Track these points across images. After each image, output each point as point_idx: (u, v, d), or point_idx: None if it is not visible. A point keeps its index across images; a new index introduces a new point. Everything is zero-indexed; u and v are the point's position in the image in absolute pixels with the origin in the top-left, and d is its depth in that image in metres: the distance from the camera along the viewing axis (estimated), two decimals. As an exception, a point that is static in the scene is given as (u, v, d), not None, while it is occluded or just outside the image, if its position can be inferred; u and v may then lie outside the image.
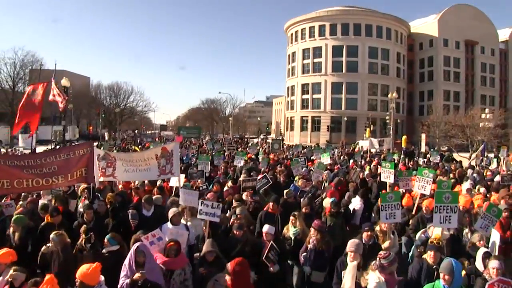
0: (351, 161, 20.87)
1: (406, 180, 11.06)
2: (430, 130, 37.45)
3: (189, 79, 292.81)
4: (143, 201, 8.28)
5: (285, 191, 9.74)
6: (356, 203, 9.82)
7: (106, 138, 56.61)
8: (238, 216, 7.49)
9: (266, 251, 6.12)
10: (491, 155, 26.95)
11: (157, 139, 43.46)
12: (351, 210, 9.59)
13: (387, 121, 37.35)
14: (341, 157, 24.38)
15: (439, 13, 74.19)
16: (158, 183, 11.10)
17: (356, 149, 33.11)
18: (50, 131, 41.22)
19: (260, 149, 30.50)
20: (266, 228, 6.62)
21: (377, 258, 4.98)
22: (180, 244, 5.73)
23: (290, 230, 7.24)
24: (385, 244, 6.44)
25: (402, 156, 24.36)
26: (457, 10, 72.77)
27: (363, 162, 21.01)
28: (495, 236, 6.84)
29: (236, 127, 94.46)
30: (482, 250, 5.85)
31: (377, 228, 6.97)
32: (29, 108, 17.20)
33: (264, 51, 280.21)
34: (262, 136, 67.23)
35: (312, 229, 6.57)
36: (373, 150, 26.97)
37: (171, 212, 6.99)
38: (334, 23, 70.58)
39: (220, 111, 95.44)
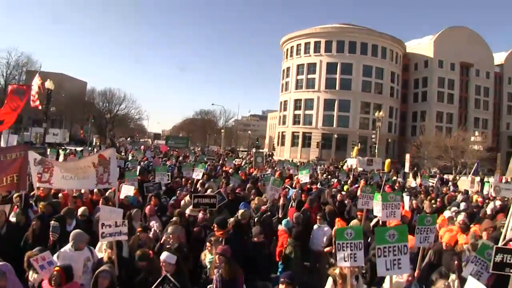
0: (334, 180, 19.69)
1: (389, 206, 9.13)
2: (419, 151, 36.89)
3: (184, 90, 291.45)
4: (62, 213, 7.42)
5: (239, 211, 8.67)
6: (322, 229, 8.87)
7: (96, 143, 56.02)
8: (170, 236, 6.73)
9: (156, 284, 4.93)
10: (477, 178, 26.30)
11: (141, 147, 42.49)
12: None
13: (373, 139, 36.84)
14: (323, 175, 23.40)
15: (435, 34, 74.58)
16: (107, 193, 10.17)
17: (345, 167, 32.81)
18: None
19: (244, 162, 29.98)
20: (163, 256, 5.57)
21: None
22: (69, 270, 4.89)
23: (207, 257, 6.39)
24: None
25: (385, 177, 23.28)
26: (453, 32, 73.06)
27: (347, 181, 19.58)
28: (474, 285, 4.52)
29: (229, 139, 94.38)
30: None
31: (336, 271, 5.52)
32: (8, 107, 16.48)
33: (261, 66, 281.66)
34: (254, 150, 66.62)
35: (216, 256, 5.76)
36: (360, 169, 26.66)
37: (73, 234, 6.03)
38: (329, 40, 70.67)
39: (214, 123, 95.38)
